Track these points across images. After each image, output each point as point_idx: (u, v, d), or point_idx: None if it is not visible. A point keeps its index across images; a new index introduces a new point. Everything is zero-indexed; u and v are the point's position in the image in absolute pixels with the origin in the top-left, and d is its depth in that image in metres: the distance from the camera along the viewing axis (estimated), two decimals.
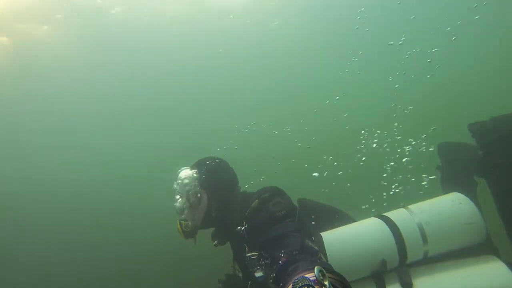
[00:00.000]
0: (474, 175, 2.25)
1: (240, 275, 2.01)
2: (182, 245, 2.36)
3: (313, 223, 2.07)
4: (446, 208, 2.04)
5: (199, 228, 2.15)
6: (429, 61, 10.17)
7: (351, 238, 2.04)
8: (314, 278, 0.91)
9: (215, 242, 2.13)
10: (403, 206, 2.18)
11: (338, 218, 2.25)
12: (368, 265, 1.98)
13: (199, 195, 2.07)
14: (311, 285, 0.90)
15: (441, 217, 2.02)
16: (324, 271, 0.91)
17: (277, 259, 1.47)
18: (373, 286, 1.97)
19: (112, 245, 10.40)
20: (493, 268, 1.88)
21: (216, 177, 2.13)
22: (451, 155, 2.38)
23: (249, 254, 1.71)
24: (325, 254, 1.87)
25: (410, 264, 2.02)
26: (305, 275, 0.96)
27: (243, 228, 1.84)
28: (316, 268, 0.91)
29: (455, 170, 2.33)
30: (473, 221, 1.96)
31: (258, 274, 1.55)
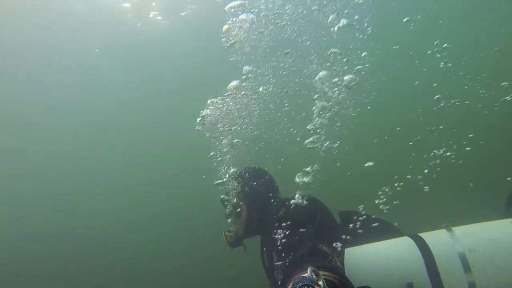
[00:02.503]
0: None
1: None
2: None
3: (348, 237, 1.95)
4: (502, 235, 1.68)
5: (243, 237, 2.27)
6: None
7: (373, 257, 1.83)
8: (315, 278, 0.93)
9: (264, 248, 2.17)
10: (446, 227, 1.86)
11: (384, 230, 2.07)
12: None
13: (239, 209, 2.21)
14: (311, 285, 0.93)
15: (493, 244, 1.67)
16: (318, 271, 0.92)
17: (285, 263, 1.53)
18: None
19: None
20: None
21: (253, 189, 2.21)
22: None
23: (277, 263, 1.75)
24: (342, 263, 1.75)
25: None
26: (306, 275, 0.98)
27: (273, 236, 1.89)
28: (309, 268, 0.94)
29: None
30: None
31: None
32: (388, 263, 1.78)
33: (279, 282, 1.47)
